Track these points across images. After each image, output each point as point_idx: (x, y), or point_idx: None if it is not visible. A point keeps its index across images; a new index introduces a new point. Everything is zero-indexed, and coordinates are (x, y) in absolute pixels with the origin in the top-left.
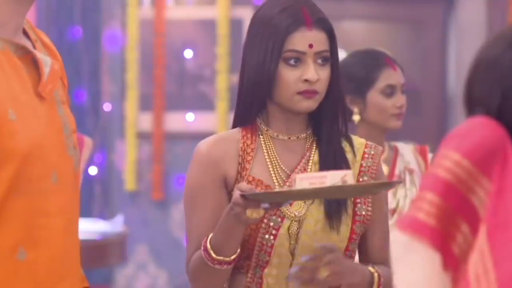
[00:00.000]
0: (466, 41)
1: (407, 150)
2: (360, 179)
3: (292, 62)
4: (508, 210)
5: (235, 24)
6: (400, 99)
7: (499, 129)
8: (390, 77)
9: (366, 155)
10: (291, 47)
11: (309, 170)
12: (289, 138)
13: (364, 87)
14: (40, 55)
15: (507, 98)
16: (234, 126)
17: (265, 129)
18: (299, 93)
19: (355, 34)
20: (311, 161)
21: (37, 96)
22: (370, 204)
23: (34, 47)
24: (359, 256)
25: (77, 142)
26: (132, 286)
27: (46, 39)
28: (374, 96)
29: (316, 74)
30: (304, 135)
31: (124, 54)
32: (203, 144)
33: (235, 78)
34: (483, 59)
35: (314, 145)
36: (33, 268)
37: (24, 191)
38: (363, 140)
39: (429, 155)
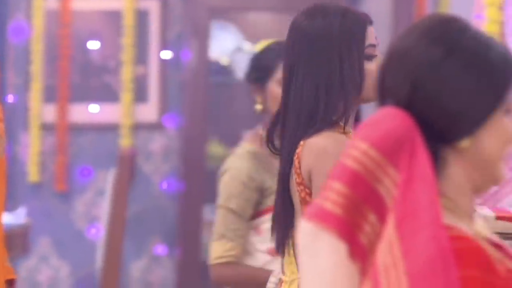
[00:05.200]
0: None
1: None
2: None
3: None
4: (415, 201)
5: (140, 15)
6: None
7: (408, 120)
8: None
9: None
10: (368, 42)
11: None
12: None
13: (265, 77)
14: None
15: (416, 89)
16: (319, 130)
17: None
18: None
19: (262, 25)
20: None
21: None
22: None
23: None
24: None
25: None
26: (34, 278)
27: None
28: (272, 86)
29: None
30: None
31: (29, 45)
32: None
33: (140, 69)
34: (394, 50)
35: None
36: None
37: None
38: None
39: None
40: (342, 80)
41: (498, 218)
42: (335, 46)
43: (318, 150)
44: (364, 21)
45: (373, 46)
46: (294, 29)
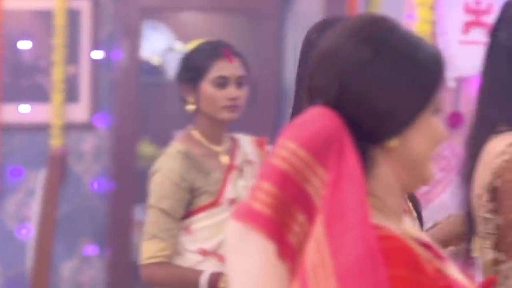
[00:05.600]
0: (303, 32)
1: (246, 142)
2: None
3: None
4: (344, 200)
5: (72, 15)
6: (233, 92)
7: (337, 120)
8: (223, 68)
9: None
10: None
11: None
12: None
13: (197, 77)
14: None
15: (345, 89)
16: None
17: None
18: None
19: (194, 25)
20: None
21: None
22: None
23: None
24: None
25: None
26: None
27: None
28: (205, 86)
29: None
30: None
31: None
32: None
33: (71, 69)
34: (323, 50)
35: None
36: None
37: None
38: None
39: (268, 147)
40: None
41: None
42: None
43: None
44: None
45: None
46: (305, 41)
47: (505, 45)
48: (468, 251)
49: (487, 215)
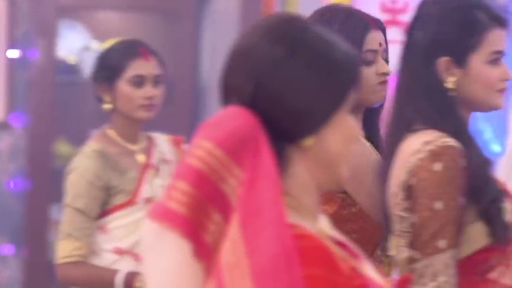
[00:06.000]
0: (220, 31)
1: (163, 141)
2: None
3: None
4: (260, 199)
5: None
6: (149, 91)
7: (252, 119)
8: (140, 67)
9: None
10: (368, 47)
11: None
12: None
13: (113, 76)
14: None
15: (260, 88)
16: None
17: None
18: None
19: (110, 24)
20: None
21: None
22: None
23: None
24: None
25: None
26: None
27: None
28: (122, 85)
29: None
30: None
31: None
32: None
33: None
34: (238, 49)
35: None
36: None
37: None
38: None
39: (184, 146)
40: None
41: None
42: None
43: None
44: (365, 26)
45: (373, 51)
46: None
47: (421, 44)
48: (385, 250)
49: (403, 214)
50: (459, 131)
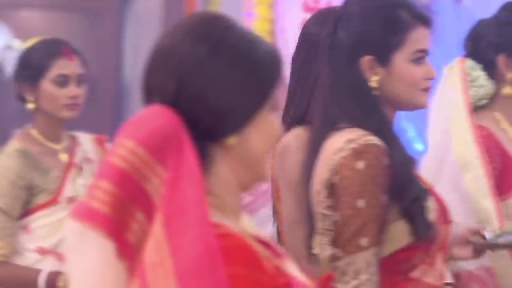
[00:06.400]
0: (143, 30)
1: (86, 140)
2: None
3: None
4: (183, 199)
5: None
6: (73, 90)
7: (174, 118)
8: (64, 66)
9: None
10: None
11: None
12: None
13: (37, 76)
14: None
15: (182, 87)
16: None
17: None
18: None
19: (32, 23)
20: None
21: None
22: None
23: None
24: None
25: None
26: None
27: None
28: (46, 85)
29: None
30: None
31: None
32: None
33: None
34: (160, 48)
35: None
36: None
37: None
38: None
39: (107, 145)
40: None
41: None
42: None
43: None
44: None
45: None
46: (304, 35)
47: (345, 43)
48: (309, 248)
49: (325, 212)
50: (383, 129)
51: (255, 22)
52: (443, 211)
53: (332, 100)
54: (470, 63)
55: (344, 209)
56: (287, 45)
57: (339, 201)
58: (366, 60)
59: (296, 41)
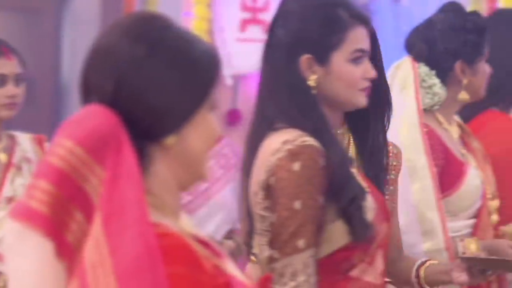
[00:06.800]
0: (81, 29)
1: (24, 139)
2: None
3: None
4: (122, 198)
5: None
6: (11, 89)
7: (113, 118)
8: (2, 66)
9: (390, 154)
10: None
11: None
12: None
13: None
14: None
15: (120, 87)
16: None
17: None
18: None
19: None
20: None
21: None
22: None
23: None
24: None
25: None
26: None
27: None
28: None
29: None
30: (341, 131)
31: None
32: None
33: None
34: (98, 47)
35: (351, 141)
36: None
37: None
38: None
39: (46, 145)
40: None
41: None
42: None
43: None
44: None
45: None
46: None
47: (283, 41)
48: (249, 248)
49: (263, 213)
50: (320, 129)
51: (193, 22)
52: (383, 210)
53: (269, 99)
54: (424, 69)
55: (280, 211)
56: (225, 45)
57: (276, 202)
58: (304, 59)
59: (234, 40)
